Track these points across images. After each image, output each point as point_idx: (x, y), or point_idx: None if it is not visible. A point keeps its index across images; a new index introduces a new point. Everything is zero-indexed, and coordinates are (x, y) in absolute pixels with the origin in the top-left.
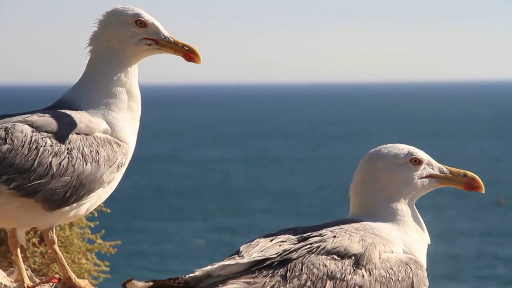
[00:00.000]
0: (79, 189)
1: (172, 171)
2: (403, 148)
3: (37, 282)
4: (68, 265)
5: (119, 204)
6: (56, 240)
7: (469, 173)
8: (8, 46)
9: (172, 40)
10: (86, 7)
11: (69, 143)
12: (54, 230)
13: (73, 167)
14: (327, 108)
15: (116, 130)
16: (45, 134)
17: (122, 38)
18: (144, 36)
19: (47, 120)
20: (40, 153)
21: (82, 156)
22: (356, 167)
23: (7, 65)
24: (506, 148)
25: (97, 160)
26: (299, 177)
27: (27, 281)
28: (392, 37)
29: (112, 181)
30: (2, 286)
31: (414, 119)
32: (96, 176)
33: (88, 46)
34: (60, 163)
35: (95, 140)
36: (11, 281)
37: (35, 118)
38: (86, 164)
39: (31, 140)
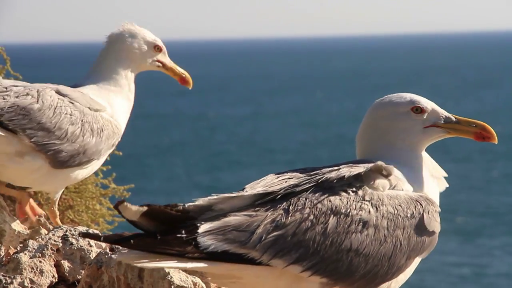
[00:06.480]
0: (82, 157)
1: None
2: (405, 96)
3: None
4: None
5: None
6: (58, 214)
7: (480, 122)
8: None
9: (174, 66)
10: None
11: (83, 116)
12: (56, 205)
13: (83, 137)
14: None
15: (115, 110)
16: (68, 103)
17: (143, 54)
18: (157, 59)
19: (71, 92)
20: (61, 119)
21: (91, 130)
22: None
23: (19, 24)
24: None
25: (101, 136)
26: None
27: None
28: None
29: (105, 155)
30: (16, 233)
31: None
32: (98, 148)
33: (109, 44)
34: (74, 131)
35: (102, 118)
36: (25, 228)
37: (61, 88)
38: (92, 137)
39: (56, 105)
